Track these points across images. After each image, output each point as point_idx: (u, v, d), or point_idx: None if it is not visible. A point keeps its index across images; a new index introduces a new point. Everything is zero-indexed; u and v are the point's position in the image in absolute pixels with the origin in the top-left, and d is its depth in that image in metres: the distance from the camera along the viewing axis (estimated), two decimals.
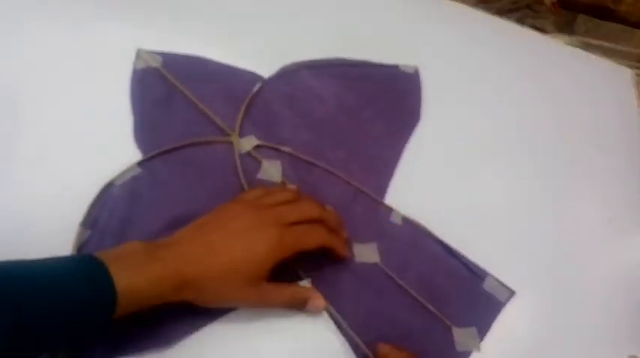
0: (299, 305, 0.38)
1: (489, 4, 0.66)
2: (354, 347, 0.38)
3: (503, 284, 0.42)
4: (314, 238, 0.38)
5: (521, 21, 0.68)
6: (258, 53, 0.50)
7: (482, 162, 0.50)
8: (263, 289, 0.36)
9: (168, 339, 0.36)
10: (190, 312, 0.35)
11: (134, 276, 0.31)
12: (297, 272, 0.39)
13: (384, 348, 0.37)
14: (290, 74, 0.49)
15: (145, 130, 0.44)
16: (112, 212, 0.39)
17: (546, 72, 0.58)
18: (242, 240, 0.35)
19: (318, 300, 0.38)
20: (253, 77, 0.48)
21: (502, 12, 0.67)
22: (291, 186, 0.43)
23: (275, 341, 0.37)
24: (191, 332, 0.36)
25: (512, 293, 0.42)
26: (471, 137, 0.51)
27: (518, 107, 0.54)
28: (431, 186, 0.47)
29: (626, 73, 0.61)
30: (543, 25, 0.67)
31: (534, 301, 0.43)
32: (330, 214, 0.40)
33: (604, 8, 0.71)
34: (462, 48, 0.57)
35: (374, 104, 0.50)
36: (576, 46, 0.63)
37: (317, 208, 0.39)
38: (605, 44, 0.64)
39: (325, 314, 0.39)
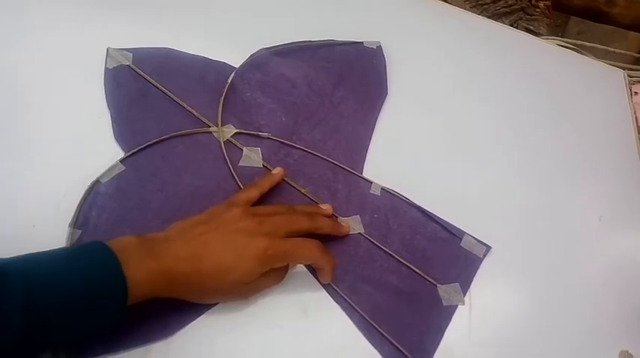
0: (282, 278, 0.40)
1: (484, 6, 0.67)
2: (352, 316, 0.40)
3: (479, 241, 0.45)
4: (305, 255, 0.38)
5: (515, 24, 0.68)
6: (227, 43, 0.51)
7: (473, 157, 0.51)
8: (250, 285, 0.37)
9: (167, 330, 0.37)
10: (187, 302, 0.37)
11: (131, 271, 0.32)
12: None
13: None
14: (260, 62, 0.51)
15: (124, 128, 0.44)
16: (102, 209, 0.40)
17: (540, 73, 0.58)
18: (235, 245, 0.36)
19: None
20: (224, 67, 0.50)
21: (496, 15, 0.67)
22: (278, 170, 0.44)
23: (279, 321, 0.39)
24: (190, 321, 0.38)
25: (488, 248, 0.45)
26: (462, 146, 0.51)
27: (512, 108, 0.55)
28: (404, 157, 0.49)
29: (618, 74, 0.62)
30: (537, 27, 0.68)
31: (526, 297, 0.44)
32: (324, 221, 0.41)
33: (597, 11, 0.72)
34: (456, 50, 0.58)
35: (343, 82, 0.52)
36: (569, 48, 0.63)
37: (310, 221, 0.40)
38: (598, 46, 0.64)
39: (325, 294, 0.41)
